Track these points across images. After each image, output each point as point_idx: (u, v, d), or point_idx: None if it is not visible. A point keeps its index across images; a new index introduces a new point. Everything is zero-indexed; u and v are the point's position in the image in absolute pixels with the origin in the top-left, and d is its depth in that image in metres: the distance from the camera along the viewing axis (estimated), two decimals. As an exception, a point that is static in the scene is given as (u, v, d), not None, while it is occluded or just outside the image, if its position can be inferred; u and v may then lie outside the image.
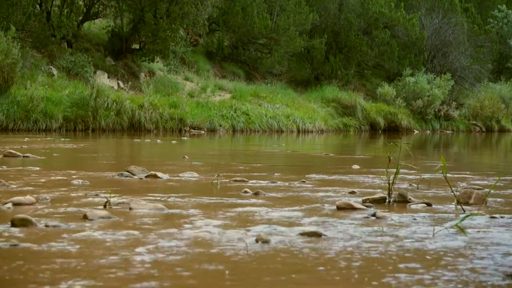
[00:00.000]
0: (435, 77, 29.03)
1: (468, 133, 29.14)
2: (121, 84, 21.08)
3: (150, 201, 4.25)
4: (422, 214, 4.05)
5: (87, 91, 17.92)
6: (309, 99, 25.44)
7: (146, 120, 18.55)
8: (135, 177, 5.89)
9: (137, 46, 21.99)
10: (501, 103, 31.53)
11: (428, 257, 2.87)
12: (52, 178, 5.70)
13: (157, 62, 22.60)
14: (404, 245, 3.10)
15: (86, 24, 22.53)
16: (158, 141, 14.15)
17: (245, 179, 5.86)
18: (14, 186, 4.97)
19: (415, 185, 5.70)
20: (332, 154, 10.80)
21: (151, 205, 4.04)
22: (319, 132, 23.33)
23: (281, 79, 28.32)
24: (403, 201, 4.55)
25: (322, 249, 2.98)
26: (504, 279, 2.55)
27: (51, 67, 19.57)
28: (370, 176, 6.61)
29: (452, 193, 4.43)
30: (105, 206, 4.00)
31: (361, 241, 3.17)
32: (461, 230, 3.31)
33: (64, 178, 5.71)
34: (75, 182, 5.40)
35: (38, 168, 6.57)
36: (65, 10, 19.94)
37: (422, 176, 5.77)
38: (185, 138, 16.34)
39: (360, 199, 4.56)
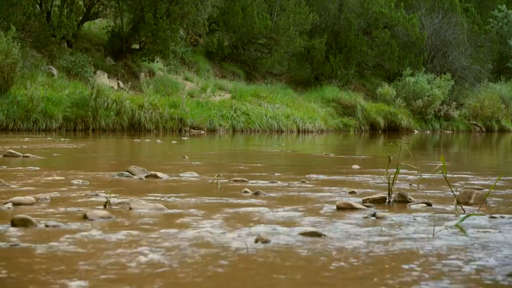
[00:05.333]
0: (435, 77, 29.04)
1: (468, 133, 29.15)
2: (121, 84, 21.08)
3: (150, 201, 4.25)
4: (422, 214, 4.05)
5: (87, 91, 17.92)
6: (309, 99, 25.45)
7: (146, 120, 18.55)
8: (135, 177, 5.89)
9: (137, 46, 22.00)
10: (501, 103, 31.55)
11: (428, 257, 2.87)
12: (52, 178, 5.70)
13: (157, 62, 22.61)
14: (404, 245, 3.10)
15: (86, 24, 22.54)
16: (158, 141, 14.15)
17: (245, 179, 5.86)
18: (14, 186, 4.96)
19: (415, 185, 5.70)
20: (332, 154, 10.80)
21: (151, 205, 4.04)
22: (319, 132, 23.33)
23: (281, 79, 28.33)
24: (403, 201, 4.55)
25: (322, 249, 2.98)
26: (504, 278, 2.55)
27: (51, 67, 19.57)
28: (370, 176, 6.61)
29: (452, 193, 4.43)
30: (105, 206, 4.00)
31: (361, 241, 3.17)
32: (461, 230, 3.31)
33: (64, 178, 5.71)
34: (75, 182, 5.40)
35: (38, 168, 6.57)
36: (65, 10, 19.94)
37: (422, 176, 5.77)
38: (185, 138, 16.34)
39: (360, 199, 4.56)
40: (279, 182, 5.79)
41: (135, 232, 3.23)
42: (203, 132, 19.41)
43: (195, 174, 6.24)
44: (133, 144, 13.19)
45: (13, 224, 3.31)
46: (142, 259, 2.70)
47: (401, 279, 2.51)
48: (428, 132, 28.13)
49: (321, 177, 6.41)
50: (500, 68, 38.02)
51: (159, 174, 5.96)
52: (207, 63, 26.27)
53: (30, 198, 4.13)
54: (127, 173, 6.00)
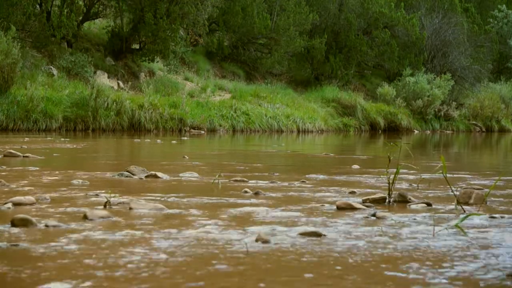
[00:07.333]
0: (435, 77, 29.03)
1: (468, 133, 29.15)
2: (121, 84, 21.08)
3: (150, 201, 4.25)
4: (422, 214, 4.05)
5: (87, 91, 17.92)
6: (309, 99, 25.44)
7: (146, 120, 18.54)
8: (135, 177, 5.89)
9: (137, 46, 21.99)
10: (501, 103, 31.53)
11: (428, 257, 2.87)
12: (52, 178, 5.70)
13: (157, 62, 22.59)
14: (404, 245, 3.10)
15: (86, 24, 22.53)
16: (158, 141, 14.14)
17: (245, 179, 5.86)
18: (14, 186, 4.96)
19: (415, 185, 5.70)
20: (332, 154, 10.80)
21: (151, 205, 4.04)
22: (319, 132, 23.33)
23: (281, 79, 28.32)
24: (403, 201, 4.55)
25: (322, 249, 2.98)
26: (504, 279, 2.55)
27: (51, 67, 19.57)
28: (370, 176, 6.61)
29: (452, 193, 4.43)
30: (105, 206, 4.00)
31: (361, 241, 3.17)
32: (461, 230, 3.31)
33: (64, 178, 5.71)
34: (75, 182, 5.40)
35: (38, 168, 6.57)
36: (65, 10, 19.93)
37: (422, 176, 5.77)
38: (185, 138, 16.34)
39: (360, 199, 4.56)
40: (279, 182, 5.79)
41: (135, 232, 3.23)
42: (203, 132, 19.40)
43: (195, 174, 6.24)
44: (133, 144, 13.19)
45: (13, 224, 3.31)
46: (142, 259, 2.70)
47: (401, 279, 2.51)
48: (428, 132, 28.13)
49: (321, 177, 6.41)
50: (500, 68, 38.00)
51: (159, 174, 5.96)
52: (207, 63, 26.26)
53: (30, 198, 4.13)
54: (127, 173, 6.00)
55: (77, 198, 4.41)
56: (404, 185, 5.71)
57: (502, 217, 3.97)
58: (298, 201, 4.57)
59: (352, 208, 4.19)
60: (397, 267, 2.69)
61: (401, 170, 5.11)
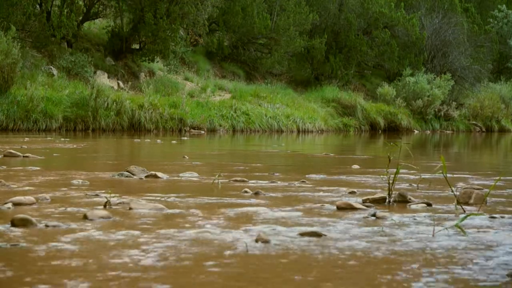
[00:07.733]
0: (435, 77, 29.03)
1: (468, 133, 29.15)
2: (121, 84, 21.08)
3: (150, 201, 4.25)
4: (422, 214, 4.05)
5: (87, 91, 17.92)
6: (309, 99, 25.44)
7: (146, 120, 18.54)
8: (135, 177, 5.89)
9: (137, 46, 21.99)
10: (501, 103, 31.53)
11: (428, 257, 2.87)
12: (52, 178, 5.70)
13: (157, 62, 22.60)
14: (404, 245, 3.10)
15: (86, 24, 22.53)
16: (158, 141, 14.14)
17: (245, 179, 5.86)
18: (14, 186, 4.96)
19: (415, 185, 5.70)
20: (332, 154, 10.79)
21: (151, 205, 4.04)
22: (319, 132, 23.33)
23: (281, 79, 28.32)
24: (403, 201, 4.55)
25: (322, 249, 2.98)
26: (504, 278, 2.55)
27: (51, 67, 19.57)
28: (370, 176, 6.61)
29: (452, 193, 4.43)
30: (105, 206, 4.00)
31: (361, 241, 3.17)
32: (461, 230, 3.31)
33: (64, 178, 5.71)
34: (75, 182, 5.40)
35: (38, 168, 6.57)
36: (65, 10, 19.94)
37: (422, 176, 5.77)
38: (185, 138, 16.34)
39: (360, 199, 4.56)
40: (279, 182, 5.78)
41: (135, 232, 3.23)
42: (203, 132, 19.40)
43: (195, 174, 6.24)
44: (133, 144, 13.19)
45: (13, 224, 3.31)
46: (142, 259, 2.70)
47: (400, 279, 2.51)
48: (428, 132, 28.13)
49: (321, 177, 6.41)
50: (500, 68, 38.01)
51: (159, 174, 5.96)
52: (207, 63, 26.27)
53: (30, 198, 4.13)
54: (127, 173, 6.00)
55: (77, 198, 4.41)
56: (404, 185, 5.71)
57: (502, 217, 3.97)
58: (298, 201, 4.57)
59: (352, 208, 4.18)
60: (397, 267, 2.69)
61: (401, 170, 5.11)
